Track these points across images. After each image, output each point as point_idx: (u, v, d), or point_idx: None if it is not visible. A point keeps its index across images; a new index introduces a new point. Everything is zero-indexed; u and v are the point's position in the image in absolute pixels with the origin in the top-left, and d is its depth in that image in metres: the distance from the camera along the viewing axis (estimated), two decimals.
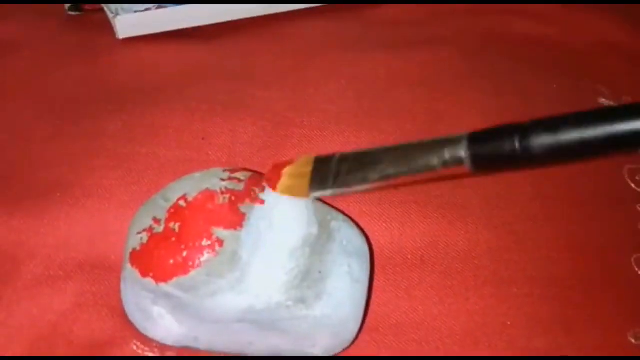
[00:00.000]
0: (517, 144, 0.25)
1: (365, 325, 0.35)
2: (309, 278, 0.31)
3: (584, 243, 0.40)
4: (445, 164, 0.26)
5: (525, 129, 0.25)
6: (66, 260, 0.36)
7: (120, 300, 0.33)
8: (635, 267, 0.39)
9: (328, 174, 0.30)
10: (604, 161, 0.44)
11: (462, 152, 0.26)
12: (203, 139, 0.43)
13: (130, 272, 0.31)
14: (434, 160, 0.27)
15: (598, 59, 0.54)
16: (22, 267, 0.35)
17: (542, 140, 0.24)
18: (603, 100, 0.50)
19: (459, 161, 0.26)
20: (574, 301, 0.37)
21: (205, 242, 0.30)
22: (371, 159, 0.29)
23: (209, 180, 0.32)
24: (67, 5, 0.49)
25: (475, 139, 0.26)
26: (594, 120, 0.24)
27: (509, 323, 0.36)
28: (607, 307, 0.37)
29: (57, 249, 0.36)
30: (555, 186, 0.43)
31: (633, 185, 0.44)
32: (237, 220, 0.31)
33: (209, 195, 0.31)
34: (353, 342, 0.33)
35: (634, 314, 0.37)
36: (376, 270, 0.38)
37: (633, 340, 0.36)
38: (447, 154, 0.26)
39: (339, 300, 0.31)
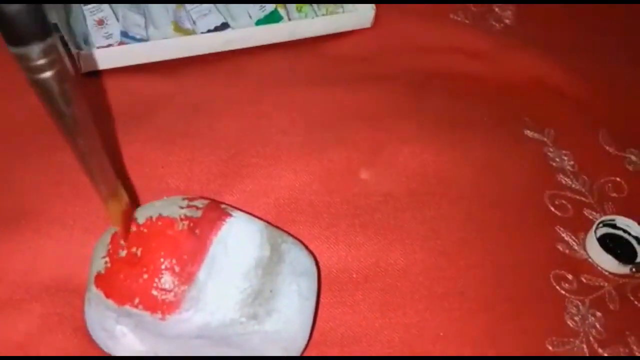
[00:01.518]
0: None
1: (313, 340, 0.38)
2: (260, 296, 0.34)
3: (508, 262, 0.45)
4: None
5: None
6: (32, 283, 0.38)
7: (84, 321, 0.36)
8: (553, 282, 0.45)
9: None
10: (527, 187, 0.50)
11: None
12: (162, 167, 0.46)
13: (94, 294, 0.33)
14: None
15: (525, 94, 0.60)
16: None
17: None
18: (528, 131, 0.55)
19: None
20: (499, 313, 0.42)
21: (165, 265, 0.33)
22: None
23: (169, 208, 0.35)
24: None
25: None
26: None
27: (441, 334, 0.40)
28: (528, 318, 0.42)
29: (23, 274, 0.38)
30: (483, 210, 0.48)
31: (553, 209, 0.49)
32: (194, 245, 0.34)
33: (169, 222, 0.34)
34: (301, 354, 0.37)
35: (551, 324, 0.42)
36: (323, 289, 0.41)
37: (550, 348, 0.41)
38: None
39: (288, 317, 0.35)
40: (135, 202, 0.37)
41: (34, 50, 0.22)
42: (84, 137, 0.27)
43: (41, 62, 0.23)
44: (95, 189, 0.30)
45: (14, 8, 0.20)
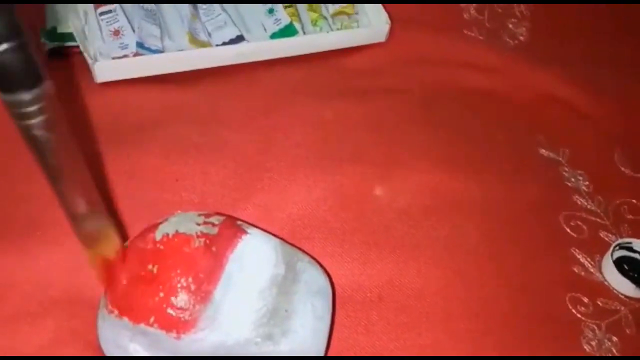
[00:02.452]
0: None
1: None
2: (276, 316, 0.34)
3: (523, 283, 0.44)
4: None
5: None
6: (45, 296, 0.38)
7: (96, 335, 0.35)
8: (569, 305, 0.44)
9: None
10: (542, 207, 0.49)
11: None
12: (177, 180, 0.46)
13: (109, 311, 0.33)
14: None
15: (539, 112, 0.60)
16: (2, 302, 0.37)
17: None
18: (543, 151, 0.55)
19: None
20: (514, 335, 0.41)
21: (181, 284, 0.32)
22: None
23: (185, 224, 0.35)
24: (47, 51, 0.52)
25: None
26: None
27: (456, 356, 0.40)
28: (544, 342, 0.42)
29: (36, 286, 0.38)
30: (497, 230, 0.47)
31: (568, 230, 0.49)
32: (211, 263, 0.34)
33: (186, 239, 0.34)
34: None
35: (567, 348, 0.41)
36: (337, 308, 0.41)
37: None
38: None
39: (303, 337, 0.34)
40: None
41: (24, 97, 0.21)
42: (66, 184, 0.26)
43: (31, 109, 0.22)
44: (75, 231, 0.29)
45: (5, 56, 0.20)
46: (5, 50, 0.20)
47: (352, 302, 0.42)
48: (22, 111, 0.22)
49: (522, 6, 0.70)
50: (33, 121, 0.22)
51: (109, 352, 0.35)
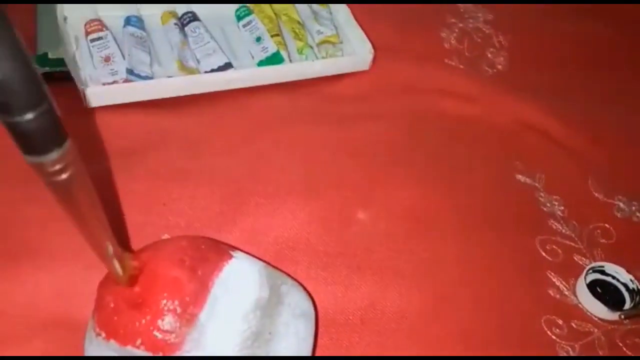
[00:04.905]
0: None
1: None
2: (259, 338, 0.35)
3: (501, 306, 0.46)
4: None
5: None
6: (33, 319, 0.38)
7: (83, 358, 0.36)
8: (544, 327, 0.45)
9: None
10: (519, 231, 0.51)
11: None
12: (164, 204, 0.47)
13: (96, 334, 0.34)
14: None
15: (516, 138, 0.62)
16: None
17: None
18: (520, 176, 0.57)
19: None
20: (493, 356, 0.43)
21: (167, 307, 0.33)
22: None
23: (171, 248, 0.36)
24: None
25: None
26: None
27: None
28: None
29: (24, 309, 0.38)
30: (475, 253, 0.49)
31: (544, 254, 0.50)
32: (196, 287, 0.34)
33: (172, 262, 0.35)
34: None
35: None
36: (320, 330, 0.42)
37: None
38: None
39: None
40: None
41: (50, 158, 0.22)
42: (92, 225, 0.28)
43: (57, 167, 0.22)
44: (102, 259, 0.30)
45: (31, 124, 0.20)
46: (33, 119, 0.20)
47: (335, 325, 0.43)
48: (50, 170, 0.22)
49: (501, 36, 0.73)
50: (60, 178, 0.23)
51: None
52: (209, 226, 0.46)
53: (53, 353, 0.37)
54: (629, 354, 0.45)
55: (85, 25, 0.56)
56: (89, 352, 0.35)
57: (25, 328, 0.38)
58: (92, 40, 0.55)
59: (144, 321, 0.33)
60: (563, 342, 0.44)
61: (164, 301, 0.33)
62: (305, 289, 0.40)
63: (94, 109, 0.52)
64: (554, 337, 0.45)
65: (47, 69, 0.54)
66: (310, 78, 0.61)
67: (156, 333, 0.33)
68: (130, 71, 0.53)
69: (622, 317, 0.46)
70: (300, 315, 0.38)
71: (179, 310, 0.33)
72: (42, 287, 0.39)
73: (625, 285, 0.48)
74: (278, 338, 0.36)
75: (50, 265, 0.40)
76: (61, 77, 0.54)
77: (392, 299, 0.45)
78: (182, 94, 0.55)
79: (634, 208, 0.56)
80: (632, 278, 0.48)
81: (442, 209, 0.52)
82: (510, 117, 0.64)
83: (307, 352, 0.37)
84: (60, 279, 0.40)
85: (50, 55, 0.55)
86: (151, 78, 0.54)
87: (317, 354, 0.41)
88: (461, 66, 0.68)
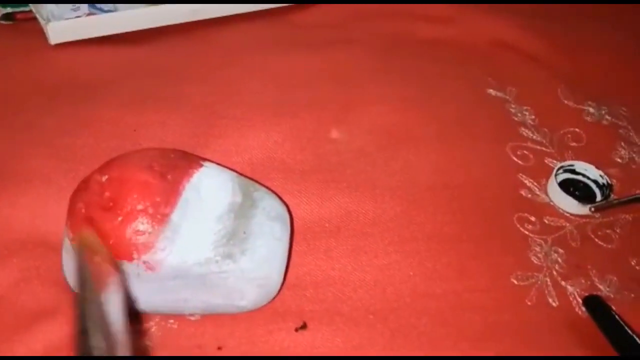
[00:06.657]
0: None
1: (288, 282, 0.40)
2: (235, 237, 0.36)
3: (474, 207, 0.47)
4: None
5: None
6: (9, 240, 0.39)
7: (62, 275, 0.37)
8: (517, 224, 0.46)
9: None
10: (491, 140, 0.52)
11: None
12: (135, 130, 0.47)
13: (70, 240, 0.34)
14: None
15: (489, 55, 0.62)
16: None
17: None
18: (491, 90, 0.57)
19: None
20: (466, 253, 0.43)
21: (138, 208, 0.34)
22: None
23: (141, 156, 0.36)
24: None
25: None
26: None
27: (411, 274, 0.42)
28: (494, 256, 0.44)
29: (1, 230, 0.39)
30: (448, 162, 0.49)
31: (515, 159, 0.51)
32: (167, 189, 0.35)
33: (141, 168, 0.35)
34: (276, 295, 0.38)
35: (516, 261, 0.44)
36: (297, 238, 0.43)
37: (515, 282, 0.42)
38: None
39: (262, 256, 0.36)
40: None
41: None
42: None
43: None
44: None
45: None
46: None
47: (312, 232, 0.44)
48: None
49: None
50: None
51: (74, 285, 0.36)
52: (181, 148, 0.46)
53: (32, 269, 0.37)
54: (601, 244, 0.46)
55: None
56: (66, 261, 0.36)
57: (3, 248, 0.38)
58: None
59: (115, 222, 0.33)
60: (535, 236, 0.45)
61: (135, 203, 0.34)
62: (280, 197, 0.41)
63: (57, 45, 0.51)
64: (526, 232, 0.46)
65: (8, 9, 0.53)
66: (280, 6, 0.61)
67: (129, 233, 0.33)
68: (92, 5, 0.53)
69: (593, 209, 0.47)
70: (275, 218, 0.38)
71: (150, 210, 0.34)
72: (17, 209, 0.40)
73: (595, 181, 0.49)
74: (254, 237, 0.36)
75: (25, 188, 0.41)
76: (25, 17, 0.53)
77: (367, 207, 0.45)
78: (147, 26, 0.54)
79: (603, 112, 0.56)
80: (602, 173, 0.49)
81: (416, 124, 0.52)
82: (482, 35, 0.65)
83: (283, 253, 0.38)
84: (35, 201, 0.40)
85: None
86: (114, 12, 0.54)
87: (296, 260, 0.41)
88: None
